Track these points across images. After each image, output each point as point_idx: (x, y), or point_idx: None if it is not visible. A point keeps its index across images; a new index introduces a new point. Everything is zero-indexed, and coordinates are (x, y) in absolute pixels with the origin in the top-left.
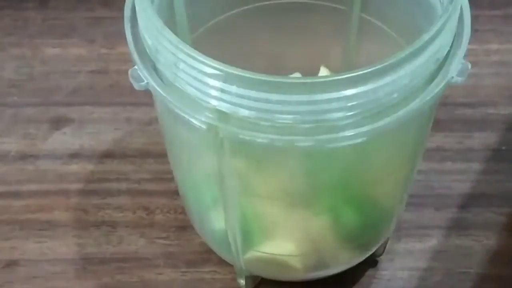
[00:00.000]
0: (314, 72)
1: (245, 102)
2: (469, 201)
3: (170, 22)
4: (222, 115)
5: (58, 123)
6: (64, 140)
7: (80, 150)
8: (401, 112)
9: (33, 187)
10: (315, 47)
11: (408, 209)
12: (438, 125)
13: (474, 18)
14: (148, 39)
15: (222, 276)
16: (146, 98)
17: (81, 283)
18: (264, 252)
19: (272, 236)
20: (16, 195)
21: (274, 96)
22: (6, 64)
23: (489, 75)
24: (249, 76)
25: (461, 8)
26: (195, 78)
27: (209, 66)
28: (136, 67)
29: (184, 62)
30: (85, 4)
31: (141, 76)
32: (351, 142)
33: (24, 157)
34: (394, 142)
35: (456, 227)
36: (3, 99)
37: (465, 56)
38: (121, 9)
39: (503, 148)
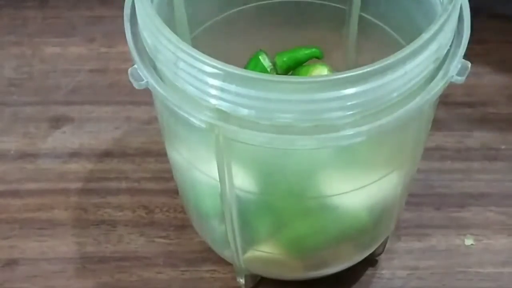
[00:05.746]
0: None
1: (244, 101)
2: (469, 200)
3: (170, 21)
4: (221, 114)
5: (57, 122)
6: (63, 139)
7: (80, 149)
8: (400, 111)
9: (32, 186)
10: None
11: (407, 208)
12: (438, 124)
13: (473, 17)
14: (148, 38)
15: (222, 275)
16: (145, 97)
17: (80, 282)
18: (263, 251)
19: (272, 235)
20: (16, 194)
21: (273, 95)
22: (5, 63)
23: (489, 74)
24: (249, 75)
25: (461, 7)
26: (194, 77)
27: (208, 65)
28: (135, 66)
29: (184, 61)
30: (84, 3)
31: (140, 75)
32: (350, 142)
33: (23, 156)
34: (394, 141)
35: (456, 226)
36: (2, 98)
37: (465, 55)
38: (121, 8)
39: (503, 147)
